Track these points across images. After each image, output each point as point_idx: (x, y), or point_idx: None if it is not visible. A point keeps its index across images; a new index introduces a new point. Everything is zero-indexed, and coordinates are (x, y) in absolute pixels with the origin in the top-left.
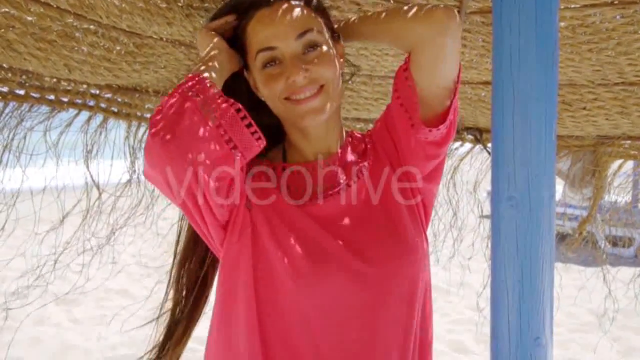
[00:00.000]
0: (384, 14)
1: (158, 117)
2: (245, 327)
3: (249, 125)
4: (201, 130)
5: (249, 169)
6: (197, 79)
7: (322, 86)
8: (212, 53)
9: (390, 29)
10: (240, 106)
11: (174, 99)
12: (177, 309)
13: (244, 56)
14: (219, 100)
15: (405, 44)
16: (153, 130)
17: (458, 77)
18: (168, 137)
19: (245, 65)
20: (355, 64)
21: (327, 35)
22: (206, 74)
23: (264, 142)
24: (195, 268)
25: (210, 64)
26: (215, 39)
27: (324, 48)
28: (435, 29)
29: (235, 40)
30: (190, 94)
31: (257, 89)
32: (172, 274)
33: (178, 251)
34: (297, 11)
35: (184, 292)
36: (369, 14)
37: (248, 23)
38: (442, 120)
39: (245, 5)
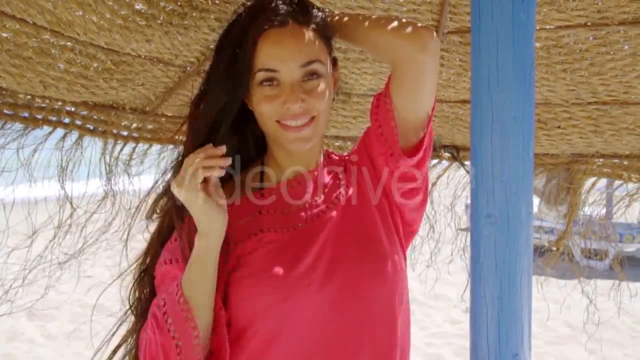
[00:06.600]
0: (371, 22)
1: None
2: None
3: None
4: None
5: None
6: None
7: (313, 117)
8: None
9: (377, 41)
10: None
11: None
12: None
13: (247, 64)
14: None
15: (389, 58)
16: None
17: (432, 108)
18: None
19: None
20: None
21: (329, 63)
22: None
23: None
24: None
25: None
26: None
27: (323, 80)
28: (417, 45)
29: (241, 46)
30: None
31: (250, 101)
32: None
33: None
34: (307, 38)
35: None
36: (359, 17)
37: (259, 36)
38: (418, 149)
39: (259, 13)
